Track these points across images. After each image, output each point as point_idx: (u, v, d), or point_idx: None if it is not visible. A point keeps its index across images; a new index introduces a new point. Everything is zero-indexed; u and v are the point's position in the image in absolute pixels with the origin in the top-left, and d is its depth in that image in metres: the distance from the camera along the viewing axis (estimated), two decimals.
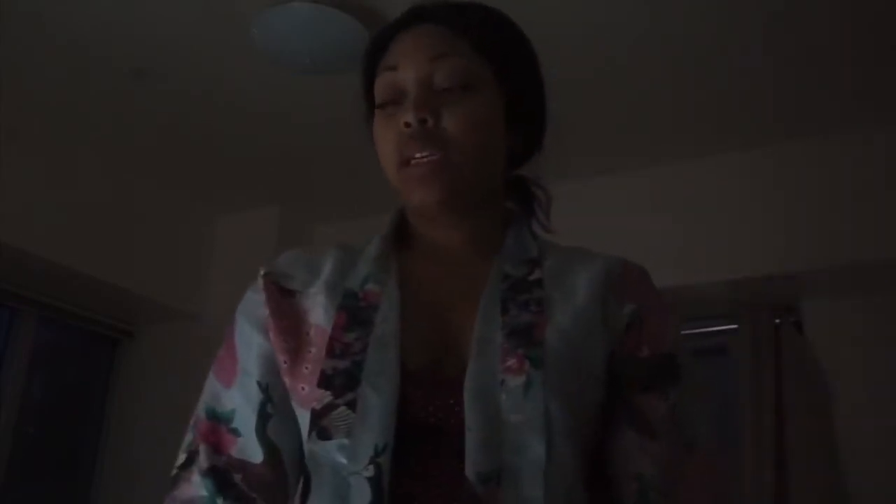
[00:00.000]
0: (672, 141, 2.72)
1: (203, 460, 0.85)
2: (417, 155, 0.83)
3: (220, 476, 0.84)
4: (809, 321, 2.66)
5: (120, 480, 3.08)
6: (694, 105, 2.52)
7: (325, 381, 0.79)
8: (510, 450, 0.74)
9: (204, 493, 0.83)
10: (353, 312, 0.83)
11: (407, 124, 0.83)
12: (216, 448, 0.85)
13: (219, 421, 0.86)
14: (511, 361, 0.78)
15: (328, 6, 2.10)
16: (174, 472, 0.86)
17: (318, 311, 0.85)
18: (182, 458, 0.87)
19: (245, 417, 0.86)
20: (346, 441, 0.75)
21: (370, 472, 0.73)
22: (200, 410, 0.88)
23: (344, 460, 0.75)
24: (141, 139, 2.82)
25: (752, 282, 2.64)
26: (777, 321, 2.70)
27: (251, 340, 0.87)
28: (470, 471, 0.73)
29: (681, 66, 2.33)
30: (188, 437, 0.88)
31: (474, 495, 0.72)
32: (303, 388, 0.82)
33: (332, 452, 0.76)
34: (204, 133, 2.77)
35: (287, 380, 0.84)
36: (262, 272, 0.90)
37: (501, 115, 0.89)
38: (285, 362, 0.84)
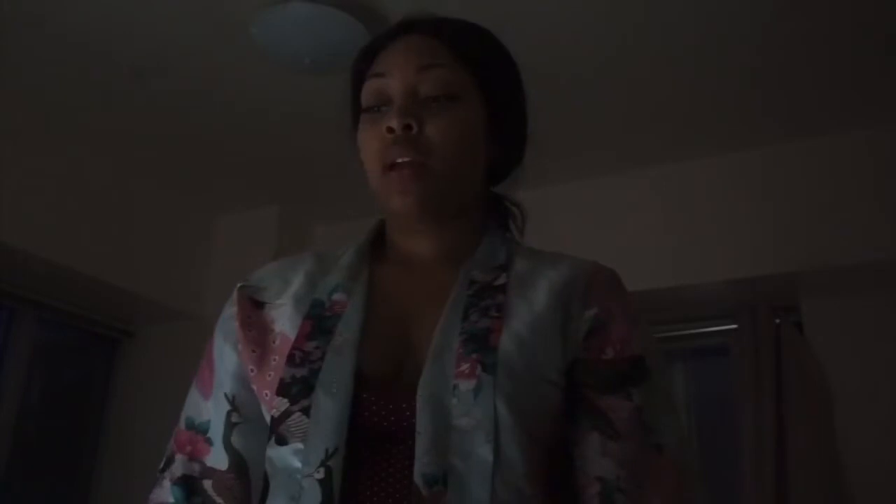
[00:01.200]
0: (672, 141, 2.72)
1: (177, 468, 0.90)
2: (399, 160, 0.85)
3: (190, 484, 0.89)
4: (809, 321, 2.66)
5: (120, 480, 3.08)
6: (694, 105, 2.52)
7: (282, 389, 0.81)
8: (457, 453, 0.75)
9: (171, 500, 0.88)
10: (318, 322, 0.86)
11: (390, 129, 0.85)
12: (192, 456, 0.90)
13: (196, 431, 0.91)
14: (464, 366, 0.79)
15: (328, 6, 2.10)
16: (158, 473, 0.92)
17: (284, 321, 0.88)
18: (162, 462, 0.92)
19: (216, 427, 0.90)
20: (300, 446, 0.77)
21: (321, 474, 0.75)
22: (182, 420, 0.93)
23: (298, 464, 0.77)
24: (141, 139, 2.82)
25: (752, 282, 2.64)
26: (777, 321, 2.70)
27: (223, 353, 0.91)
28: (417, 473, 0.74)
29: (680, 67, 2.33)
30: (170, 443, 0.93)
31: (420, 498, 0.73)
32: (266, 395, 0.85)
33: (287, 457, 0.78)
34: (204, 133, 2.77)
35: (255, 387, 0.87)
36: (238, 285, 0.94)
37: (483, 126, 0.91)
38: (252, 370, 0.87)
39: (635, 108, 2.55)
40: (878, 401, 2.47)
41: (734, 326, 2.77)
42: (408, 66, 0.88)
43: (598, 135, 2.68)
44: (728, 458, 2.68)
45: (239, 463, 0.88)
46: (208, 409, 0.91)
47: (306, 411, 0.78)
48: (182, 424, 0.92)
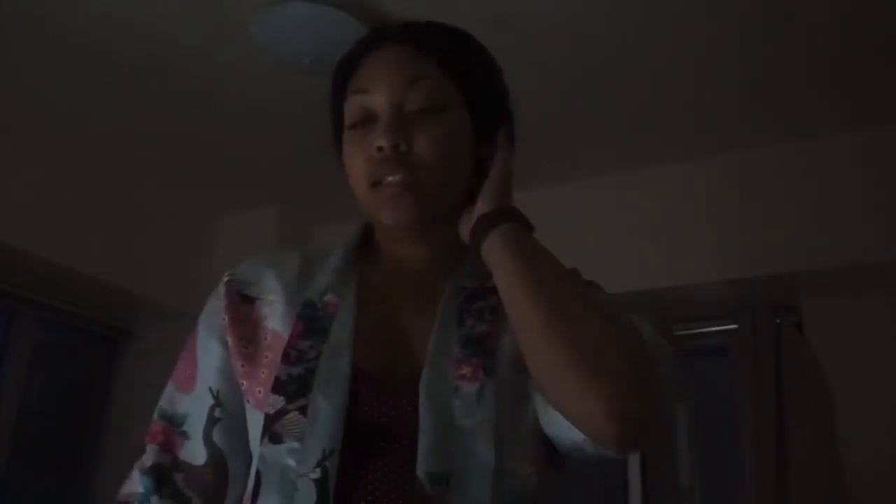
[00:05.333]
0: (672, 141, 2.72)
1: (147, 458, 0.90)
2: (390, 178, 0.84)
3: (160, 474, 0.88)
4: (809, 321, 2.66)
5: (120, 481, 3.07)
6: (694, 105, 2.52)
7: (278, 387, 0.82)
8: (461, 453, 0.76)
9: (141, 489, 0.88)
10: (311, 321, 0.86)
11: (380, 148, 0.84)
12: (164, 447, 0.90)
13: (171, 423, 0.91)
14: (465, 369, 0.81)
15: (328, 6, 2.10)
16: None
17: (276, 318, 0.88)
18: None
19: (195, 422, 0.90)
20: (296, 445, 0.78)
21: (317, 474, 0.75)
22: (156, 411, 0.93)
23: (293, 463, 0.78)
24: (141, 139, 2.82)
25: (752, 282, 2.64)
26: (777, 321, 2.70)
27: (208, 347, 0.91)
28: (421, 471, 0.75)
29: (680, 66, 2.33)
30: (144, 438, 0.92)
31: (424, 495, 0.74)
32: (259, 392, 0.85)
33: (282, 455, 0.79)
34: (204, 133, 2.77)
35: (245, 383, 0.87)
36: (224, 278, 0.94)
37: (468, 131, 0.90)
38: (243, 366, 0.87)
39: (635, 109, 2.55)
40: (878, 401, 2.47)
41: (734, 326, 2.77)
42: (392, 80, 0.86)
43: (597, 135, 2.67)
44: (728, 458, 2.68)
45: (217, 458, 0.89)
46: (186, 402, 0.91)
47: (303, 410, 0.79)
48: (156, 416, 0.92)
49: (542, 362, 0.75)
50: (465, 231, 0.88)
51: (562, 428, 0.78)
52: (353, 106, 0.89)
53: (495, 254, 0.81)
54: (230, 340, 0.89)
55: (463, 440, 0.77)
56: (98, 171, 2.93)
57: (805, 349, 2.61)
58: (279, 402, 0.80)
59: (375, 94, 0.87)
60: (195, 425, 0.89)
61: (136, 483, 0.89)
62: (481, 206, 0.85)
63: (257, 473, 0.81)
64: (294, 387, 0.81)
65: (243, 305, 0.91)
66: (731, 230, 2.66)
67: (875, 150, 2.55)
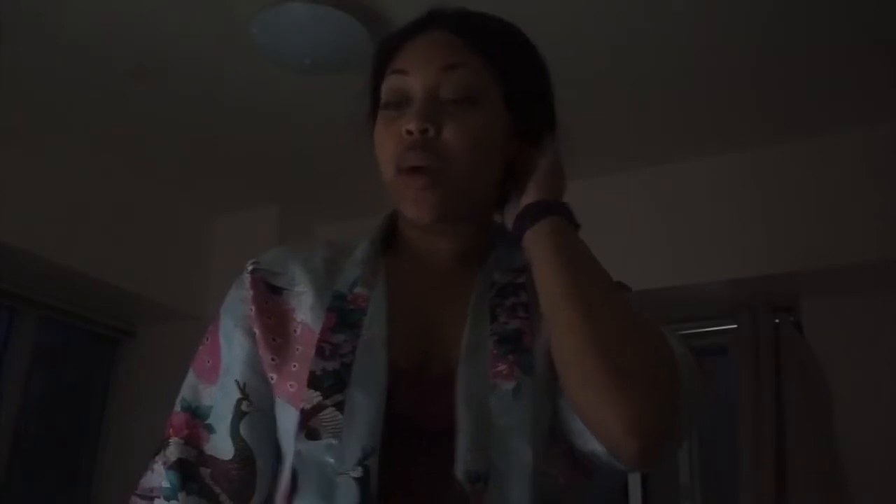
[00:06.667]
0: (672, 141, 2.72)
1: (172, 453, 0.85)
2: (415, 164, 0.83)
3: (187, 469, 0.85)
4: (809, 321, 2.66)
5: (120, 481, 3.08)
6: (694, 105, 2.52)
7: (314, 382, 0.80)
8: (498, 452, 0.76)
9: (167, 484, 0.84)
10: (342, 314, 0.85)
11: (409, 132, 0.83)
12: (189, 441, 0.86)
13: (195, 416, 0.87)
14: (502, 367, 0.80)
15: (328, 6, 2.10)
16: (149, 460, 0.88)
17: (306, 310, 0.86)
18: (155, 448, 0.88)
19: (221, 415, 0.86)
20: (334, 441, 0.76)
21: (358, 472, 0.74)
22: (177, 404, 0.89)
23: (331, 460, 0.76)
24: (141, 139, 2.82)
25: (752, 282, 2.64)
26: (777, 321, 2.70)
27: (232, 339, 0.88)
28: (459, 470, 0.74)
29: (681, 66, 2.33)
30: (166, 430, 0.89)
31: (462, 494, 0.73)
32: (291, 386, 0.83)
33: (319, 452, 0.77)
34: (204, 133, 2.77)
35: (274, 376, 0.85)
36: (249, 268, 0.91)
37: (504, 129, 0.88)
38: (273, 359, 0.85)
39: (635, 109, 2.55)
40: (878, 401, 2.47)
41: (734, 326, 2.77)
42: (430, 65, 0.85)
43: (598, 136, 2.67)
44: (728, 458, 2.68)
45: (245, 453, 0.85)
46: (211, 394, 0.87)
47: (340, 407, 0.77)
48: (178, 408, 0.88)
49: (568, 360, 0.75)
50: (510, 220, 0.87)
51: (582, 436, 0.78)
52: (389, 86, 0.88)
53: (538, 246, 0.81)
54: (258, 332, 0.86)
55: (501, 439, 0.76)
56: (98, 170, 2.93)
57: (805, 349, 2.61)
58: (315, 397, 0.79)
59: (411, 76, 0.86)
60: (221, 419, 0.86)
61: (159, 477, 0.85)
62: (529, 196, 0.85)
63: (293, 470, 0.79)
64: (330, 382, 0.79)
65: (270, 296, 0.88)
66: (731, 230, 2.66)
67: (875, 149, 2.55)
